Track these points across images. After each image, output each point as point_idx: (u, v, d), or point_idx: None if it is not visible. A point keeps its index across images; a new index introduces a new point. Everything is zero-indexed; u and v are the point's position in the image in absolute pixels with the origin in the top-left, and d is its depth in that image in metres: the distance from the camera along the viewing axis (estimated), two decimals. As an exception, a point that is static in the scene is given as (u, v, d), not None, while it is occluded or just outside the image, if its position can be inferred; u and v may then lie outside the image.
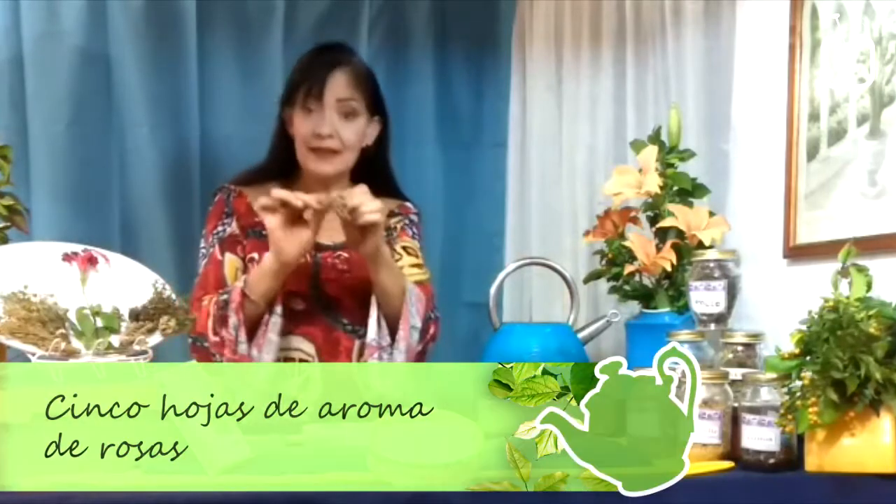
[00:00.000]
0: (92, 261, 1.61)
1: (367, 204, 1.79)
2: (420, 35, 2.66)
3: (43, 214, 2.27)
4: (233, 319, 1.84)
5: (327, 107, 1.98)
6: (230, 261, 1.99)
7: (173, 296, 1.65)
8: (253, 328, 1.87)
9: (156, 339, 1.56)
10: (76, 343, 1.47)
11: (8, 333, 1.43)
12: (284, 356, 1.93)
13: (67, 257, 1.59)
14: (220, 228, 2.02)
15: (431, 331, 2.00)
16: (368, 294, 1.94)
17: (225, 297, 1.88)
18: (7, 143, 1.80)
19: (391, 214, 2.11)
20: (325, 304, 1.97)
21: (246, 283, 1.86)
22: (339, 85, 1.99)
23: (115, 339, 1.50)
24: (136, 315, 1.56)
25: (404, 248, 2.10)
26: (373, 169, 2.10)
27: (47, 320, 1.46)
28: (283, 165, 2.06)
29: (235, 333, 1.84)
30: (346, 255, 1.99)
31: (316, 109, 1.99)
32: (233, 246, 2.00)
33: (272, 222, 1.81)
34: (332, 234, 1.99)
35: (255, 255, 1.96)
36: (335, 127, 1.99)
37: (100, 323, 1.51)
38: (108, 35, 2.36)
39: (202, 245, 2.04)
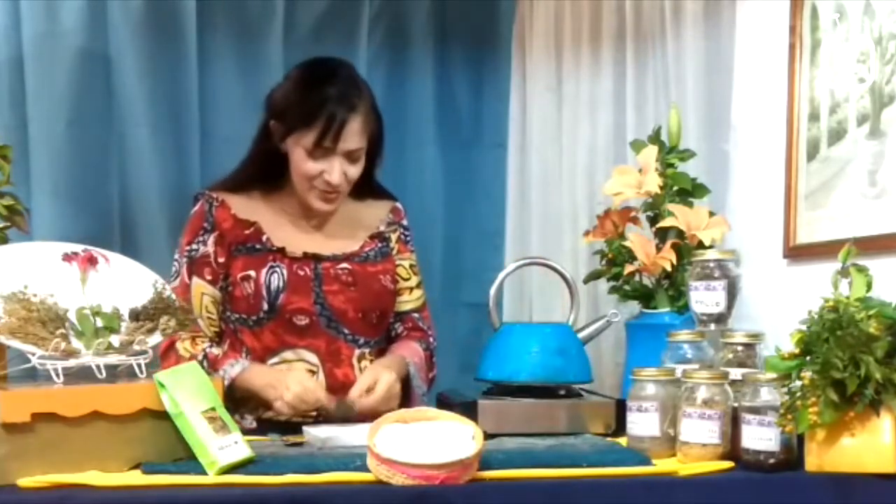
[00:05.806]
0: (92, 261, 1.61)
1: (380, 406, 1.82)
2: (420, 35, 2.66)
3: (43, 214, 2.27)
4: None
5: (339, 154, 1.91)
6: (197, 286, 1.94)
7: (173, 296, 1.66)
8: None
9: (156, 339, 1.56)
10: (76, 343, 1.47)
11: (8, 333, 1.42)
12: (289, 367, 1.92)
13: (67, 257, 1.59)
14: (194, 246, 1.96)
15: (433, 373, 2.09)
16: (368, 304, 1.97)
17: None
18: (7, 143, 1.80)
19: (387, 224, 2.09)
20: (328, 317, 1.94)
21: (234, 381, 1.86)
22: (352, 134, 1.90)
23: (115, 339, 1.50)
24: (136, 315, 1.56)
25: (411, 266, 2.12)
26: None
27: (47, 320, 1.46)
28: (267, 174, 2.00)
29: None
30: (347, 266, 1.98)
31: (325, 155, 1.91)
32: (202, 269, 1.95)
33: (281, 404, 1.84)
34: (332, 244, 1.99)
35: (252, 273, 1.92)
36: (344, 173, 1.93)
37: (100, 323, 1.51)
38: (108, 35, 2.36)
39: (175, 256, 1.99)
